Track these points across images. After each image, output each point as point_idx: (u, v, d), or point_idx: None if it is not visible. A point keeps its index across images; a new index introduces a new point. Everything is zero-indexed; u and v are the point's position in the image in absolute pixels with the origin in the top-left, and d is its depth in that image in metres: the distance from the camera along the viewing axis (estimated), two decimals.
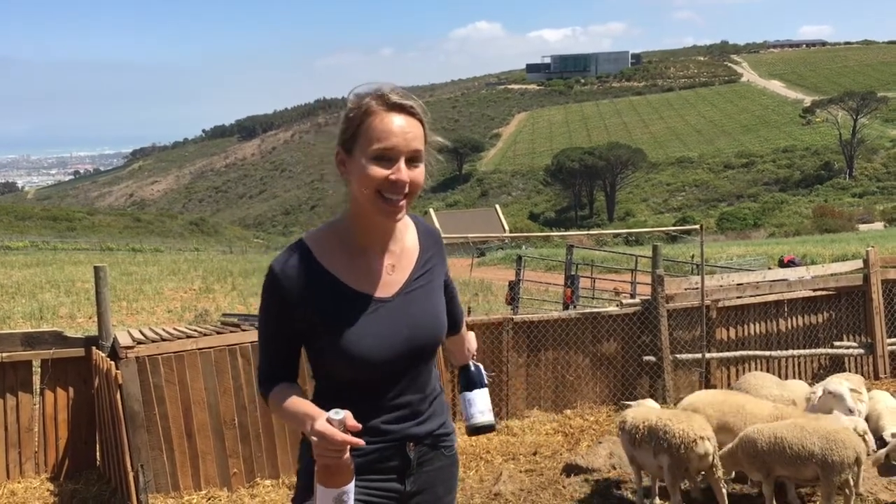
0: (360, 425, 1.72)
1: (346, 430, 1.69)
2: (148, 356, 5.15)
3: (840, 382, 5.27)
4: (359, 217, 1.88)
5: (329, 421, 1.69)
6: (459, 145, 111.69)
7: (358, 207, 1.86)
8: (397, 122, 1.81)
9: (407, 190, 1.81)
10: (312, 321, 1.86)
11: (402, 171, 1.79)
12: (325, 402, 1.91)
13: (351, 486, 1.74)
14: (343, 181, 1.89)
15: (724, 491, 4.65)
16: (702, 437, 4.58)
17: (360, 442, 1.70)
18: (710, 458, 4.60)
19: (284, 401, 1.86)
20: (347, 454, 1.70)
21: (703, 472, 4.73)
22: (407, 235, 1.98)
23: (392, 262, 1.93)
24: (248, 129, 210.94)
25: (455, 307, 2.21)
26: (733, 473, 5.02)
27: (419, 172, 1.84)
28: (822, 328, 7.84)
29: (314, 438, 1.69)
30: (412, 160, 1.82)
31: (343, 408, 1.73)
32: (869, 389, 6.12)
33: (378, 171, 1.79)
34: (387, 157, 1.79)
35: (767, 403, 5.18)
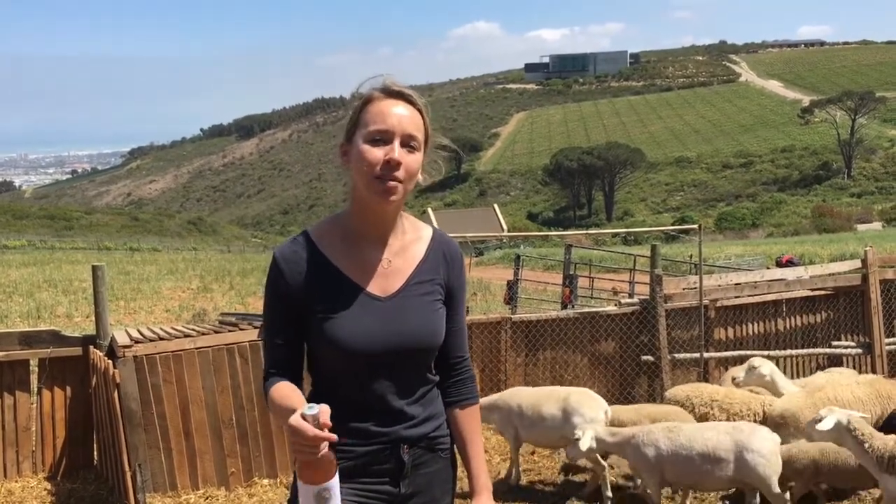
0: (329, 423, 1.64)
1: (319, 425, 1.63)
2: (146, 355, 5.14)
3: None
4: (359, 206, 1.90)
5: (303, 416, 1.64)
6: (458, 145, 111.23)
7: (357, 196, 1.89)
8: (394, 106, 1.85)
9: (401, 173, 1.82)
10: (307, 305, 1.87)
11: (396, 151, 1.81)
12: (316, 401, 1.92)
13: (332, 483, 1.68)
14: (345, 171, 1.92)
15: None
16: None
17: (333, 437, 1.65)
18: None
19: (277, 395, 1.84)
20: (326, 450, 1.65)
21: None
22: (410, 236, 1.98)
23: (389, 256, 1.93)
24: (246, 128, 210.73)
25: (456, 337, 2.03)
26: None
27: (413, 159, 1.85)
28: (820, 328, 7.84)
29: (288, 433, 1.66)
30: (407, 145, 1.84)
31: (332, 406, 1.68)
32: None
33: (373, 153, 1.82)
34: (382, 139, 1.82)
35: (846, 386, 5.20)
